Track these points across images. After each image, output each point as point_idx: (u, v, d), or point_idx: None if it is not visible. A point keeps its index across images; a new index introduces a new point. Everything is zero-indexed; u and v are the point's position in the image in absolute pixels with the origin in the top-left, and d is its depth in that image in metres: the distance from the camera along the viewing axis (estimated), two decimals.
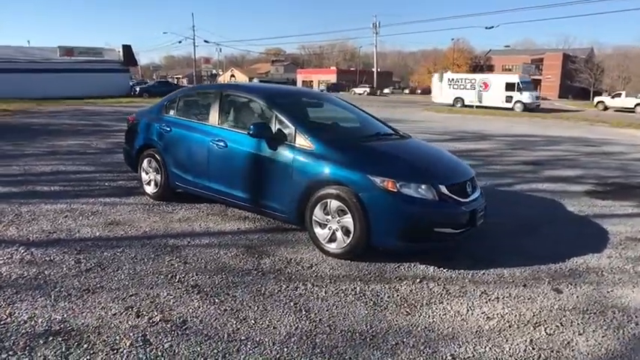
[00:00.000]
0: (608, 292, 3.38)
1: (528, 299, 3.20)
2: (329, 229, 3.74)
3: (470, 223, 3.74)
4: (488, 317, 2.91)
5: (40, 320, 2.61)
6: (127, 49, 30.17)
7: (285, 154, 3.94)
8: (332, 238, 3.73)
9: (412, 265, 3.67)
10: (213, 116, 4.59)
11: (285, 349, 2.45)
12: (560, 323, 2.89)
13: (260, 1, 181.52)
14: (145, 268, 3.38)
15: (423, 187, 3.54)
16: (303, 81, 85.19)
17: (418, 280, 3.41)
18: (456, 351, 2.52)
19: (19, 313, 2.66)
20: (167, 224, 4.39)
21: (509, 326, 2.82)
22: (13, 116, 15.30)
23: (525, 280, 3.51)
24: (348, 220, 3.59)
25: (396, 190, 3.46)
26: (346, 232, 3.63)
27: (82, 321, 2.63)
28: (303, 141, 3.88)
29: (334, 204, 3.66)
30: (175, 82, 51.92)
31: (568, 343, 2.67)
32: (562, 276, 3.62)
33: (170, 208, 4.90)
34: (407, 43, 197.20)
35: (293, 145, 3.92)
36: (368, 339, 2.59)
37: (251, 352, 2.42)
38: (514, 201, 5.99)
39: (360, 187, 3.53)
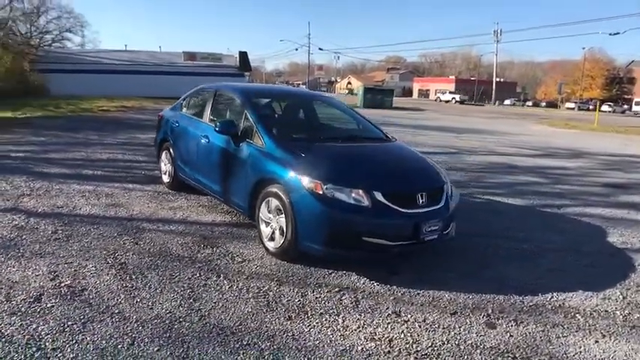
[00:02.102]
0: (558, 337, 2.79)
1: (443, 328, 2.80)
2: (271, 227, 3.74)
3: (414, 236, 3.40)
4: (372, 338, 2.64)
5: None
6: (243, 55, 32.48)
7: (244, 150, 4.05)
8: (272, 237, 3.72)
9: (346, 274, 3.47)
10: (206, 113, 4.91)
11: (140, 328, 2.56)
12: None
13: (381, 9, 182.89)
14: (99, 244, 3.78)
15: (358, 191, 3.33)
16: (419, 90, 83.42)
17: (337, 290, 3.22)
18: None
19: None
20: (156, 210, 4.81)
21: (388, 352, 2.52)
22: (126, 112, 17.86)
23: (461, 308, 3.07)
24: (283, 220, 3.55)
25: (322, 193, 3.32)
26: (282, 232, 3.59)
27: (9, 276, 3.08)
28: (257, 139, 3.95)
29: (274, 203, 3.65)
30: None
31: None
32: (515, 310, 3.08)
33: (173, 198, 5.34)
34: (537, 52, 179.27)
35: (251, 142, 4.01)
36: (224, 335, 2.57)
37: (110, 324, 2.58)
38: (545, 224, 5.17)
39: (291, 187, 3.46)
